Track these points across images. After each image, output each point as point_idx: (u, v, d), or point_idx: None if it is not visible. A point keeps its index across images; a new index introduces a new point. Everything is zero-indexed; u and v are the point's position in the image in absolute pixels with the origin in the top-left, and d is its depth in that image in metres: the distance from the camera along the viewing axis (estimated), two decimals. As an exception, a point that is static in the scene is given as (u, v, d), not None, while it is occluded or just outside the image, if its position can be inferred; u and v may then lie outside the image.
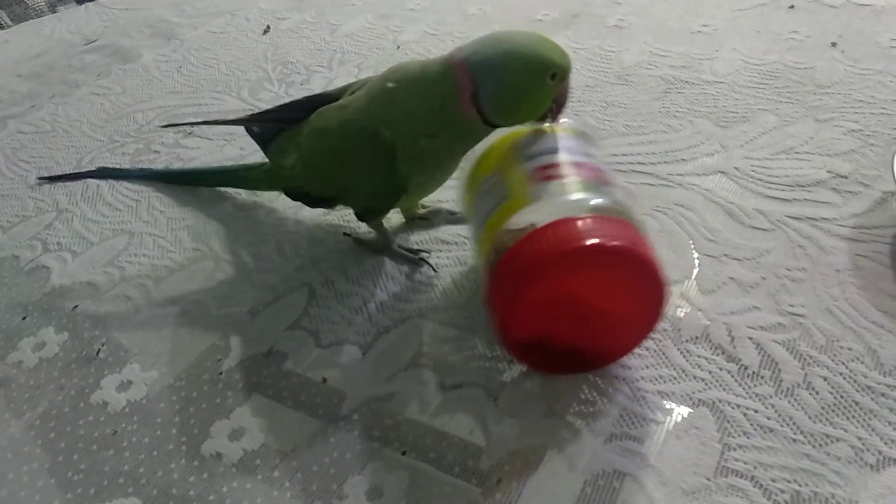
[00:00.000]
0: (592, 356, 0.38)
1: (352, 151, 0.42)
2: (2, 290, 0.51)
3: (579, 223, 0.34)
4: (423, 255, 0.47)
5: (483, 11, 0.82)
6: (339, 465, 0.36)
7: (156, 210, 0.57)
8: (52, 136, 0.71)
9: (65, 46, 0.92)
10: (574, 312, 0.35)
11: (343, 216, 0.53)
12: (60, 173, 0.64)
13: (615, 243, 0.33)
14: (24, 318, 0.48)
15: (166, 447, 0.38)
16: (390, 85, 0.41)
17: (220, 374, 0.42)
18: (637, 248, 0.34)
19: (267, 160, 0.50)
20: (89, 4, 1.05)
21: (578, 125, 0.41)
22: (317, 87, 0.72)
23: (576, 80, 0.64)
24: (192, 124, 0.59)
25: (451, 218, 0.50)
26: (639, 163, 0.53)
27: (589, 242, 0.33)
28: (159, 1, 1.02)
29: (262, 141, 0.50)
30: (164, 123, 0.68)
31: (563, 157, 0.38)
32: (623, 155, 0.54)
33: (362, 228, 0.50)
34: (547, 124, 0.40)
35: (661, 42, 0.69)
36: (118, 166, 0.63)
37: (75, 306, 0.49)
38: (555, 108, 0.39)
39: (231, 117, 0.67)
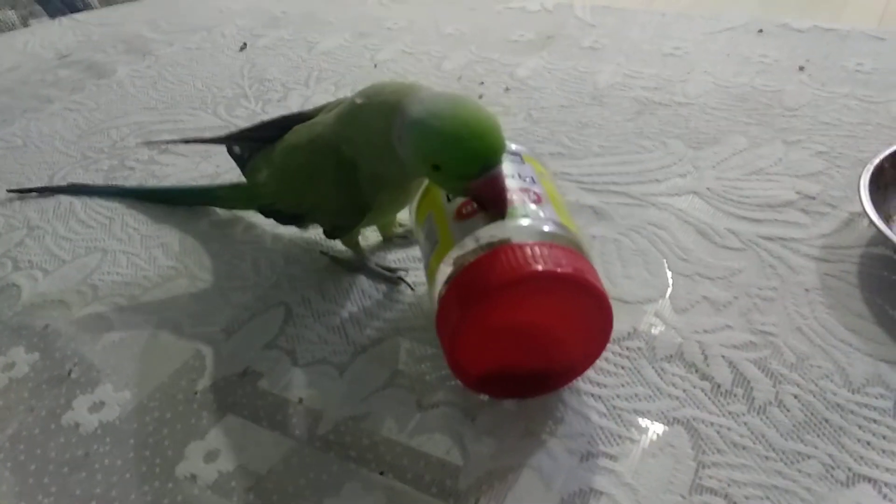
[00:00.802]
0: (548, 377, 0.38)
1: (317, 168, 0.43)
2: (-30, 309, 0.51)
3: (509, 254, 0.33)
4: (401, 273, 0.48)
5: (460, 31, 0.83)
6: (316, 487, 0.36)
7: (130, 227, 0.56)
8: (24, 151, 0.70)
9: (37, 61, 0.91)
10: (520, 338, 0.35)
11: (320, 234, 0.53)
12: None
13: (549, 269, 0.33)
14: (-7, 338, 0.48)
15: (140, 469, 0.38)
16: (359, 101, 0.41)
17: (195, 393, 0.42)
18: (571, 272, 0.33)
19: (242, 179, 0.50)
20: (62, 19, 1.04)
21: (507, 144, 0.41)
22: (294, 104, 0.72)
23: (551, 101, 0.66)
24: (170, 142, 0.59)
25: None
26: (613, 182, 0.54)
27: (519, 275, 0.33)
28: (134, 16, 1.01)
29: (241, 160, 0.50)
30: (141, 140, 0.68)
31: None
32: (597, 175, 0.55)
33: (339, 247, 0.50)
34: None
35: (634, 64, 0.71)
36: (91, 182, 0.63)
37: (46, 325, 0.48)
38: (474, 199, 0.36)
39: (207, 134, 0.68)
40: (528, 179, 0.39)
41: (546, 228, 0.35)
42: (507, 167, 0.39)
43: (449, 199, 0.39)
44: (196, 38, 0.91)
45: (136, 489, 0.37)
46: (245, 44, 0.87)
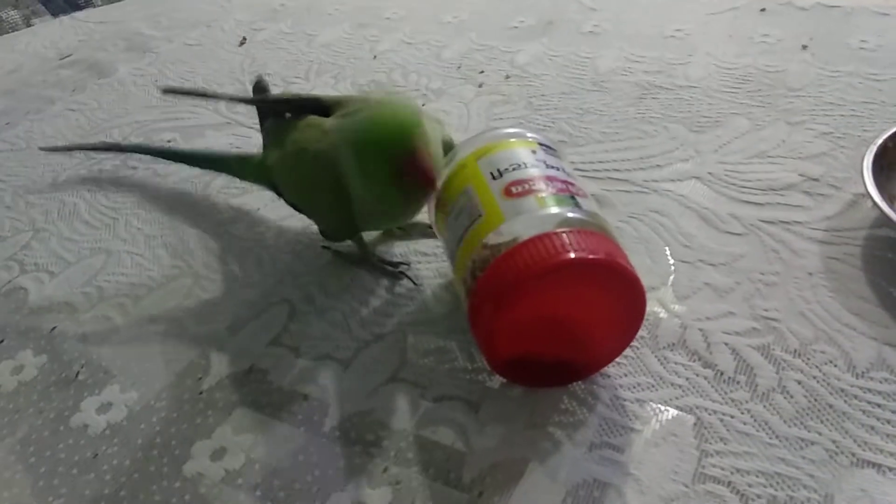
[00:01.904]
0: (577, 366, 0.38)
1: (317, 181, 0.44)
2: (-21, 313, 0.51)
3: (556, 238, 0.34)
4: (403, 267, 0.48)
5: (459, 20, 0.82)
6: (322, 482, 0.36)
7: (133, 227, 0.57)
8: (28, 153, 0.70)
9: (39, 61, 0.91)
10: (556, 326, 0.36)
11: (322, 230, 0.53)
12: (64, 144, 0.68)
13: (594, 256, 0.33)
14: (1, 342, 0.48)
15: (147, 469, 0.38)
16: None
17: (201, 392, 0.42)
18: (615, 260, 0.34)
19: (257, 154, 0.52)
20: (64, 18, 1.04)
21: (542, 138, 0.41)
22: (294, 98, 0.71)
23: (551, 88, 0.65)
24: (199, 95, 0.67)
25: (429, 231, 0.50)
26: (615, 169, 0.54)
27: (567, 258, 0.33)
28: (134, 13, 1.01)
29: (263, 114, 0.52)
30: (166, 89, 0.66)
31: (532, 171, 0.38)
32: (599, 162, 0.55)
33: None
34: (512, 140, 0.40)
35: (636, 48, 0.70)
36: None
37: (54, 328, 0.48)
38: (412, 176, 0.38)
39: (210, 130, 0.68)
40: (565, 171, 0.39)
41: (585, 217, 0.36)
42: (551, 160, 0.39)
43: (494, 178, 0.38)
44: (195, 34, 0.91)
45: (145, 489, 0.37)
46: (244, 38, 0.87)
